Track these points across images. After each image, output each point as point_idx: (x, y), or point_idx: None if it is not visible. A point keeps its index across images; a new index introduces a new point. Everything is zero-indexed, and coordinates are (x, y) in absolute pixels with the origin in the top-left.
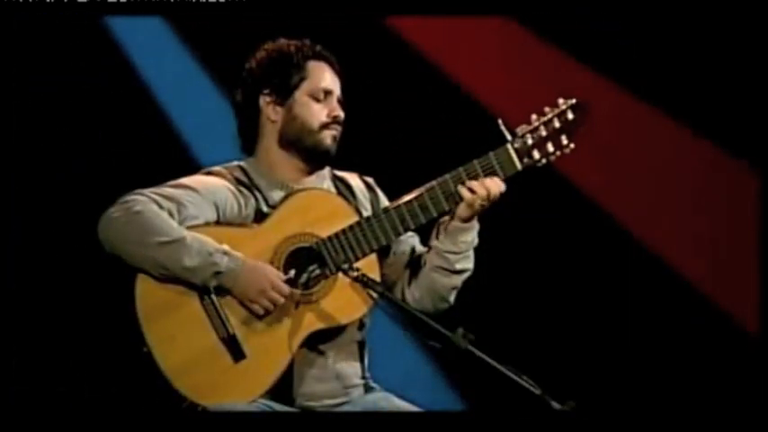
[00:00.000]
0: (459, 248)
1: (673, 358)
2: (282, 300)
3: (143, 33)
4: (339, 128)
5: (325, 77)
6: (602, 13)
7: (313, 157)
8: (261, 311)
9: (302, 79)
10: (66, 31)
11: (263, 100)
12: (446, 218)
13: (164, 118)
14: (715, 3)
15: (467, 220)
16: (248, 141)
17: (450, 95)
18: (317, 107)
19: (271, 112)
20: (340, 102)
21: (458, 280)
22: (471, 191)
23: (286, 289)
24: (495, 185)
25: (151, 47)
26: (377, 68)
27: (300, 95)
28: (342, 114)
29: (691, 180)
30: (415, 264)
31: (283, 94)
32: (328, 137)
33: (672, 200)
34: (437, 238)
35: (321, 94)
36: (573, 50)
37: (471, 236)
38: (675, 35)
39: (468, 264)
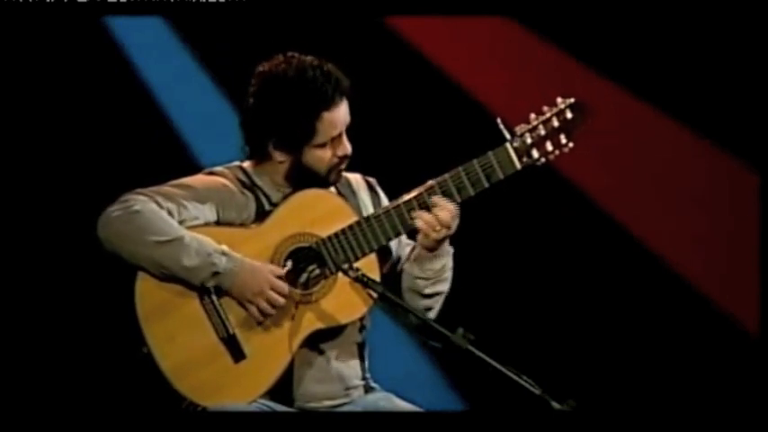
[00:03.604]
0: (427, 275)
1: (673, 358)
2: (282, 301)
3: (143, 33)
4: (347, 161)
5: (336, 125)
6: (602, 13)
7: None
8: (259, 313)
9: (312, 134)
10: (67, 31)
11: (270, 145)
12: (417, 243)
13: (163, 118)
14: (715, 3)
15: (430, 248)
16: (254, 155)
17: (450, 95)
18: (325, 153)
19: (277, 155)
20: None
21: (431, 302)
22: (424, 220)
23: (285, 289)
24: (445, 213)
25: (151, 47)
26: (377, 68)
27: (309, 149)
28: (349, 149)
29: (691, 180)
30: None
31: (291, 148)
32: (334, 174)
33: (672, 200)
34: (408, 260)
35: (330, 142)
36: (573, 50)
37: (440, 263)
38: (675, 35)
39: (441, 287)
